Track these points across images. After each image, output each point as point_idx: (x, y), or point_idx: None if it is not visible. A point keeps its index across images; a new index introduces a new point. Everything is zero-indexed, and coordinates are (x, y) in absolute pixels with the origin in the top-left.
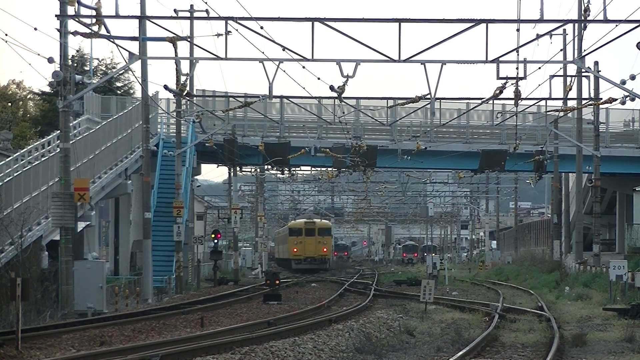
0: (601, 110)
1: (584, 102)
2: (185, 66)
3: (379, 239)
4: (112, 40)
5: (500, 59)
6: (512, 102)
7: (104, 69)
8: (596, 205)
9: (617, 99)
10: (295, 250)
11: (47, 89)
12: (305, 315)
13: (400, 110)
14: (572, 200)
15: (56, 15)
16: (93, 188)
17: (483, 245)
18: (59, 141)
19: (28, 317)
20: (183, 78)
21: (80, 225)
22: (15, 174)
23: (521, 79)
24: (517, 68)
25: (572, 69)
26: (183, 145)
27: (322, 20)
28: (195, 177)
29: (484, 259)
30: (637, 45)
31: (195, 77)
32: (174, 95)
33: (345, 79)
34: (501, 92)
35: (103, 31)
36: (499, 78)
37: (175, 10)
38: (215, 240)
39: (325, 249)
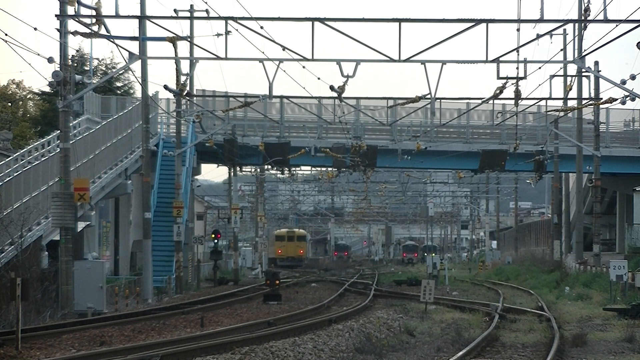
0: (601, 110)
1: (584, 102)
2: (185, 66)
3: (379, 239)
4: (112, 40)
5: (501, 59)
6: (512, 102)
7: (104, 69)
8: (596, 205)
9: (617, 99)
10: (279, 251)
11: (47, 89)
12: (305, 315)
13: (401, 110)
14: (572, 200)
15: (56, 15)
16: (93, 188)
17: (483, 245)
18: (58, 141)
19: (28, 317)
20: (183, 78)
21: (80, 225)
22: (15, 174)
23: (521, 78)
24: (517, 68)
25: (572, 69)
26: (183, 145)
27: (322, 20)
28: (195, 177)
29: (484, 259)
30: (637, 45)
31: (195, 77)
32: (174, 95)
33: (345, 78)
34: (501, 92)
35: (103, 31)
36: (499, 78)
37: (175, 10)
38: (215, 240)
39: (301, 251)
